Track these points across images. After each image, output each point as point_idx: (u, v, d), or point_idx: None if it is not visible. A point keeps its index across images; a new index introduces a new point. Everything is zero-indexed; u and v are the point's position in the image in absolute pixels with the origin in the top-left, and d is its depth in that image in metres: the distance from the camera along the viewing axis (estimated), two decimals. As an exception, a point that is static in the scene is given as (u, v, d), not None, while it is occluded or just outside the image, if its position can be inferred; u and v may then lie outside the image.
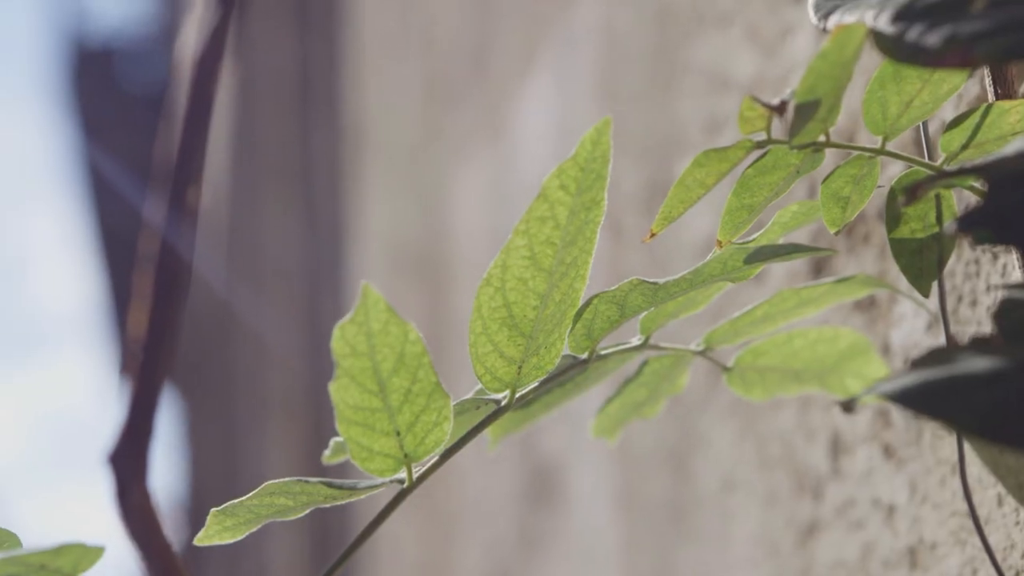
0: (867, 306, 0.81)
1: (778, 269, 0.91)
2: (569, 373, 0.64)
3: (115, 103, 6.97)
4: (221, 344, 4.28)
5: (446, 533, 1.79)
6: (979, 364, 0.49)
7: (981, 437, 0.46)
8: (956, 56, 0.51)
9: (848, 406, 0.58)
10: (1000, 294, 0.69)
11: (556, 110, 1.43)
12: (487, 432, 0.70)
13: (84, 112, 7.01)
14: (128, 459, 0.46)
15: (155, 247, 0.43)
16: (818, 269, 0.86)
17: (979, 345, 0.51)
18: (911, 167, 0.60)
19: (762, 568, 0.93)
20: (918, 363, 0.50)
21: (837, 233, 0.61)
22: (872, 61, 0.71)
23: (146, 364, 0.44)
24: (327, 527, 2.48)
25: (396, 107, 2.25)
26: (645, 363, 0.69)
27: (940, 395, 0.48)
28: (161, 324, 0.44)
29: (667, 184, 1.10)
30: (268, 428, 3.39)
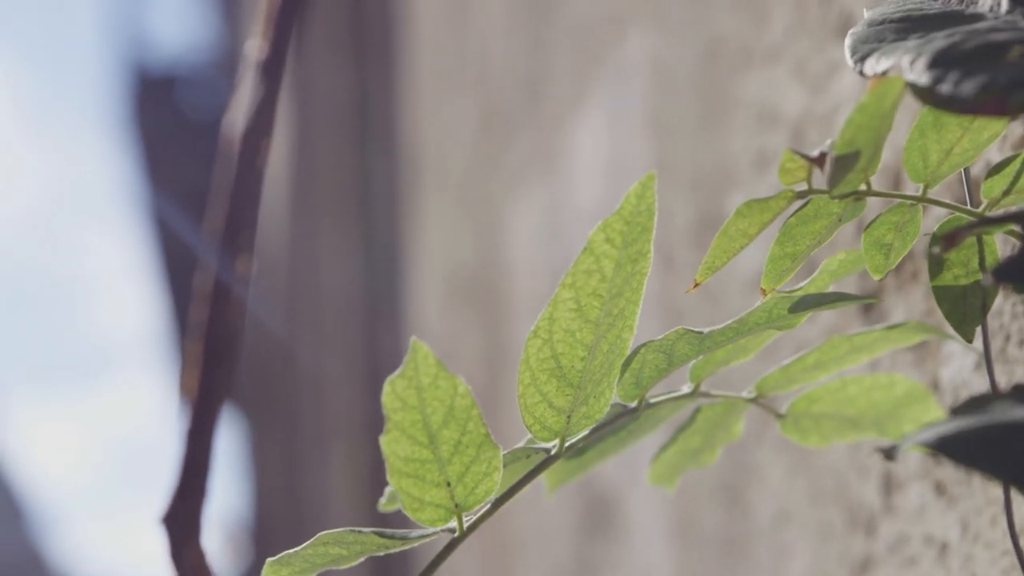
0: (917, 346, 0.81)
1: (828, 311, 0.91)
2: (620, 422, 0.65)
3: (177, 130, 7.05)
4: (284, 372, 4.31)
5: (506, 564, 1.80)
6: (1018, 413, 0.49)
7: (1017, 487, 0.47)
8: (992, 105, 0.51)
9: (890, 454, 0.58)
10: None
11: (607, 143, 1.44)
12: (543, 479, 0.71)
13: (146, 139, 7.09)
14: (181, 520, 0.47)
15: (205, 316, 0.44)
16: (867, 307, 0.87)
17: (1019, 393, 0.51)
18: (953, 213, 0.61)
19: (817, 604, 0.93)
20: (958, 411, 0.50)
21: (881, 280, 0.62)
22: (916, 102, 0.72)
23: (196, 427, 0.46)
24: (388, 566, 2.49)
25: (452, 139, 2.26)
26: (698, 411, 0.70)
27: (977, 444, 0.48)
28: (211, 389, 0.45)
29: (717, 217, 1.11)
30: (329, 454, 3.41)
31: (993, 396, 0.51)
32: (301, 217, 3.50)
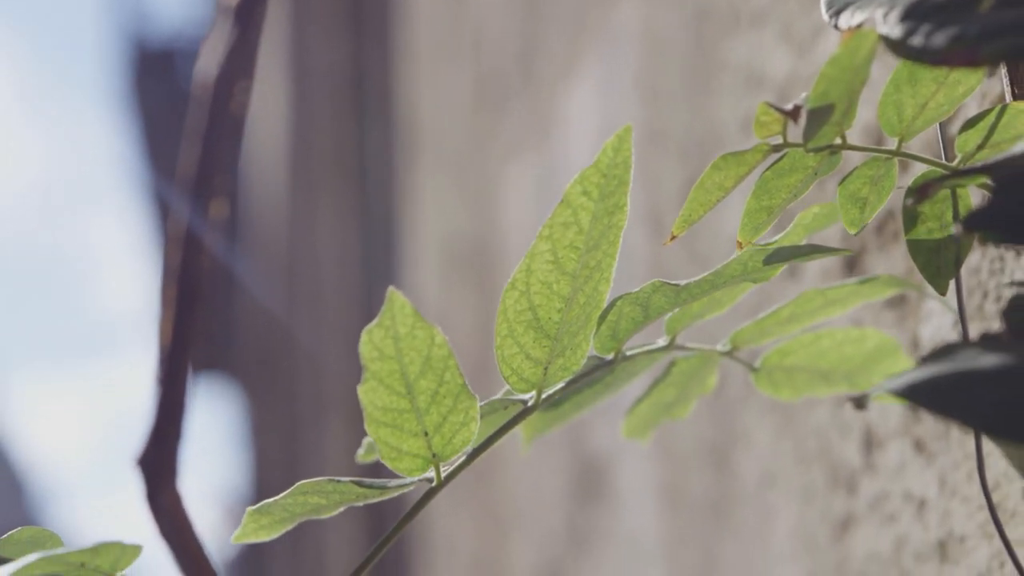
0: (897, 303, 0.81)
1: (812, 268, 0.92)
2: (596, 374, 0.65)
3: (176, 104, 7.04)
4: (283, 345, 4.32)
5: (499, 529, 1.81)
6: (986, 360, 0.50)
7: (986, 432, 0.47)
8: (963, 56, 0.52)
9: (860, 403, 0.59)
10: (1010, 291, 0.70)
11: (599, 111, 1.44)
12: (521, 432, 0.72)
13: (145, 113, 7.08)
14: (157, 461, 0.48)
15: (178, 258, 0.45)
16: (851, 268, 0.87)
17: (988, 342, 0.51)
18: (929, 168, 0.61)
19: (800, 562, 0.94)
20: (928, 359, 0.51)
21: (856, 233, 0.62)
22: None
23: (171, 369, 0.46)
24: (384, 517, 2.50)
25: (447, 109, 2.27)
26: (673, 364, 0.71)
27: (946, 391, 0.49)
28: (184, 332, 0.45)
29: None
30: (327, 428, 3.42)
31: (962, 345, 0.51)
32: (299, 190, 3.51)
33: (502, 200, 1.87)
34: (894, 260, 0.82)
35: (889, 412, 0.82)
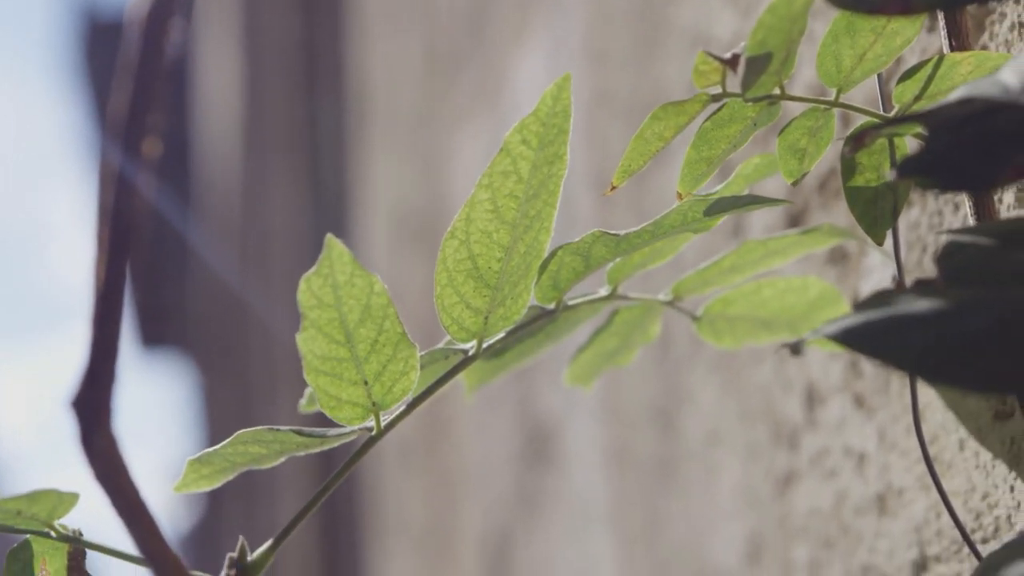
0: (838, 259, 0.82)
1: (755, 226, 0.92)
2: (538, 323, 0.65)
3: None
4: (235, 317, 4.30)
5: (449, 495, 1.81)
6: (920, 305, 0.50)
7: (918, 375, 0.48)
8: (897, 4, 0.52)
9: (795, 348, 0.59)
10: (944, 238, 0.71)
11: (548, 77, 1.44)
12: (464, 382, 0.72)
13: (96, 85, 7.02)
14: (90, 404, 0.47)
15: (110, 199, 0.45)
16: (794, 225, 0.88)
17: (922, 287, 0.52)
18: (867, 119, 0.62)
19: (744, 519, 0.94)
20: (863, 305, 0.51)
21: (794, 183, 0.62)
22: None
23: (104, 312, 0.46)
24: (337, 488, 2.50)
25: (398, 77, 2.26)
26: (615, 313, 0.71)
27: (880, 335, 0.49)
28: (117, 273, 0.45)
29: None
30: (279, 401, 3.41)
31: (897, 291, 0.52)
32: (251, 159, 3.49)
33: (452, 168, 1.87)
34: (836, 218, 0.82)
35: (830, 368, 0.83)
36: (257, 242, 3.48)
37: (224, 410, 5.16)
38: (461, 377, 0.73)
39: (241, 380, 4.40)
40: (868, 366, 0.79)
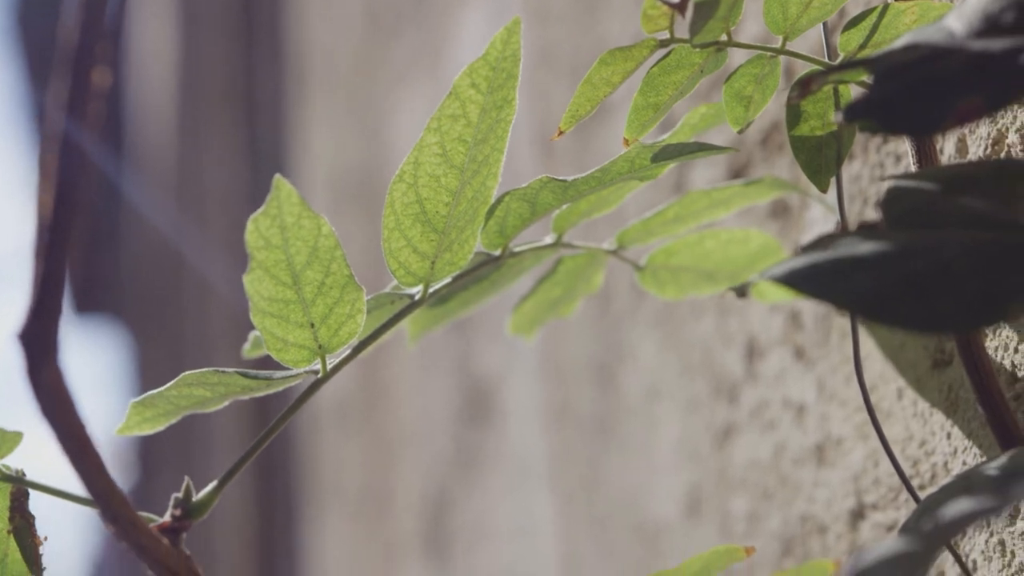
0: (780, 213, 0.83)
1: (699, 182, 0.93)
2: (483, 270, 0.66)
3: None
4: (169, 280, 4.27)
5: (387, 456, 1.81)
6: (864, 248, 0.51)
7: (861, 316, 0.48)
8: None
9: (741, 291, 0.60)
10: (887, 184, 0.72)
11: (490, 34, 1.44)
12: (407, 329, 0.72)
13: (30, 49, 6.93)
14: (37, 338, 0.47)
15: (59, 129, 0.44)
16: (738, 179, 0.88)
17: (866, 231, 0.53)
18: (813, 67, 0.62)
19: (683, 473, 0.95)
20: (807, 248, 0.52)
21: (740, 131, 0.63)
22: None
23: (52, 244, 0.46)
24: (273, 442, 2.49)
25: (338, 37, 2.25)
26: (560, 262, 0.71)
27: (825, 277, 0.50)
28: (66, 204, 0.45)
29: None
30: (215, 360, 3.40)
31: (841, 235, 0.52)
32: (186, 117, 3.46)
33: (392, 128, 1.86)
34: (779, 172, 0.83)
35: (771, 322, 0.84)
36: (193, 202, 3.45)
37: (158, 377, 5.12)
38: (403, 331, 0.73)
39: (175, 347, 4.37)
40: (808, 319, 0.80)
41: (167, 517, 0.56)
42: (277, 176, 0.57)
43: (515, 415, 1.32)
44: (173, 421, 0.63)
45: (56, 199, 0.45)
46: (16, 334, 0.47)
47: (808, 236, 0.80)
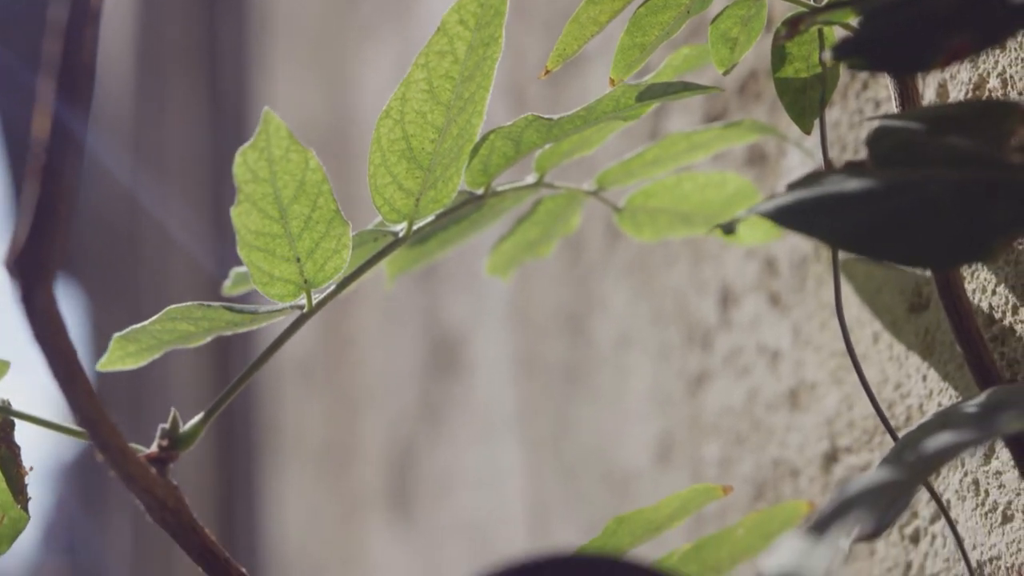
0: (758, 161, 0.83)
1: (675, 127, 0.93)
2: (465, 209, 0.66)
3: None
4: (127, 237, 4.24)
5: (351, 411, 1.81)
6: (851, 185, 0.51)
7: (849, 250, 0.49)
8: None
9: (728, 228, 0.60)
10: (874, 123, 0.72)
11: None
12: (385, 269, 0.72)
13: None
14: (33, 262, 0.47)
15: (58, 48, 0.44)
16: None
17: (852, 169, 0.53)
18: (799, 9, 0.62)
19: (654, 420, 0.96)
20: (794, 185, 0.53)
21: (726, 73, 0.63)
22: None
23: (50, 166, 0.46)
24: (229, 356, 2.47)
25: (303, -10, 2.24)
26: (539, 203, 0.72)
27: (812, 212, 0.51)
28: (65, 124, 0.45)
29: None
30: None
31: (828, 172, 0.53)
32: (145, 71, 3.43)
33: (359, 84, 1.85)
34: (756, 118, 0.84)
35: (746, 268, 0.84)
36: (152, 158, 3.43)
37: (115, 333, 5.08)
38: (370, 281, 0.73)
39: (132, 308, 4.35)
40: (784, 265, 0.81)
41: (154, 447, 0.56)
42: (266, 109, 0.57)
43: (483, 366, 1.33)
44: (156, 356, 0.63)
45: (54, 120, 0.45)
46: (11, 258, 0.47)
47: (785, 183, 0.81)
